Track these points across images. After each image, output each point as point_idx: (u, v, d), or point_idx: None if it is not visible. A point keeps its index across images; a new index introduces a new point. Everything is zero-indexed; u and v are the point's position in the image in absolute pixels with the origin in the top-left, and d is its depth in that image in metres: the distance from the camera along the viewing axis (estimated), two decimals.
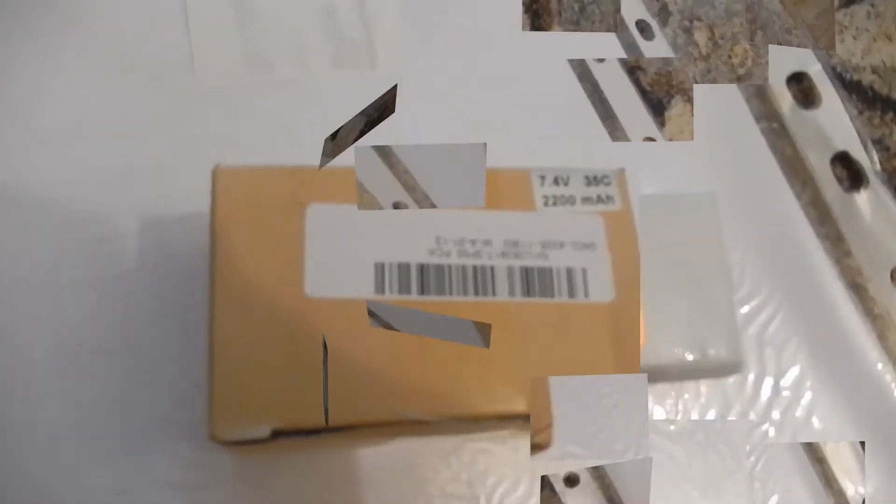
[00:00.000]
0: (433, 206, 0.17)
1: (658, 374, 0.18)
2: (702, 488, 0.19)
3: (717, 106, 0.22)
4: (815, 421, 0.20)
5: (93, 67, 0.20)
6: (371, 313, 0.16)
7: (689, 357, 0.17)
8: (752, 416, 0.19)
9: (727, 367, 0.18)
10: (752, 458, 0.19)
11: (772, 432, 0.19)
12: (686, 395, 0.19)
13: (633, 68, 0.22)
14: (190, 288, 0.18)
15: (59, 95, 0.20)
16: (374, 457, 0.17)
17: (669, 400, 0.19)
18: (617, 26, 0.22)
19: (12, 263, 0.18)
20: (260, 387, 0.15)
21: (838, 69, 0.23)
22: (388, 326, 0.16)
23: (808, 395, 0.20)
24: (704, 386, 0.19)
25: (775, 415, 0.19)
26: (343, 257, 0.16)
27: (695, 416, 0.19)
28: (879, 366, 0.20)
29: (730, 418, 0.19)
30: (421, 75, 0.20)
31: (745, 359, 0.18)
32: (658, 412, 0.19)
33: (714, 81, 0.22)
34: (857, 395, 0.20)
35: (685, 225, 0.18)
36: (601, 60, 0.21)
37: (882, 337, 0.21)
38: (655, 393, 0.19)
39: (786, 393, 0.20)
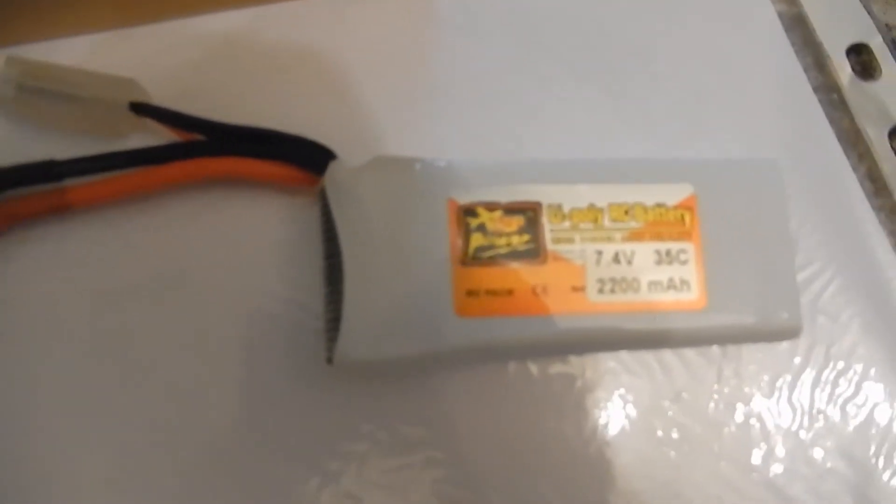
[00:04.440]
0: None
1: (718, 337, 0.19)
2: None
3: (776, 75, 0.22)
4: (865, 390, 0.20)
5: None
6: None
7: (750, 320, 0.18)
8: (803, 381, 0.20)
9: (786, 332, 0.18)
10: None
11: (820, 401, 0.20)
12: (736, 362, 0.20)
13: None
14: None
15: None
16: None
17: (715, 366, 0.20)
18: None
19: None
20: None
21: None
22: None
23: (858, 366, 0.20)
24: (758, 352, 0.20)
25: (825, 382, 0.20)
26: None
27: (746, 381, 0.20)
28: None
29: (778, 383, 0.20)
30: None
31: (803, 324, 0.18)
32: (706, 377, 0.20)
33: None
34: None
35: (748, 189, 0.18)
36: None
37: None
38: (705, 357, 0.20)
39: (835, 364, 0.20)
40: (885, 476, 0.19)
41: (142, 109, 0.17)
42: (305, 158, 0.17)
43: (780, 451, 0.19)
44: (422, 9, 0.21)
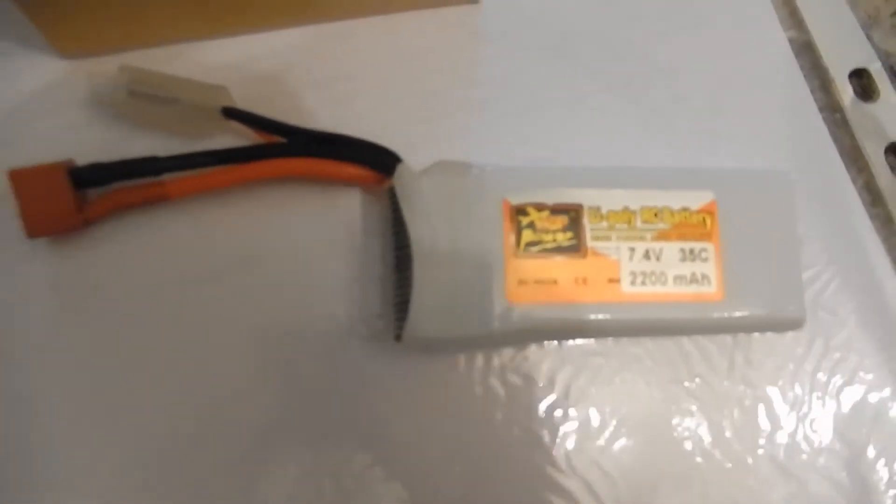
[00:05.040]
0: None
1: (733, 326, 0.21)
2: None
3: (785, 95, 0.24)
4: (859, 378, 0.22)
5: None
6: None
7: (761, 311, 0.20)
8: (805, 369, 0.22)
9: (792, 323, 0.21)
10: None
11: (819, 386, 0.22)
12: (746, 351, 0.22)
13: None
14: None
15: None
16: None
17: (727, 354, 0.22)
18: None
19: None
20: None
21: None
22: None
23: (854, 356, 0.22)
24: (766, 342, 0.22)
25: (824, 370, 0.22)
26: None
27: (754, 368, 0.22)
28: None
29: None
30: None
31: (805, 317, 0.21)
32: (720, 363, 0.22)
33: None
34: None
35: (761, 197, 0.21)
36: None
37: None
38: (719, 346, 0.22)
39: (834, 354, 0.22)
40: (874, 453, 0.22)
41: (232, 114, 0.19)
42: (375, 161, 0.19)
43: (782, 430, 0.21)
44: (470, 26, 0.23)
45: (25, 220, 0.18)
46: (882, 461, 0.22)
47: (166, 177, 0.19)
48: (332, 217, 0.20)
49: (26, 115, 0.20)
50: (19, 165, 0.18)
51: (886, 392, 0.22)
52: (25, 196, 0.18)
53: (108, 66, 0.20)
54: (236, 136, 0.20)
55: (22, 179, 0.18)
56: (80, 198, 0.19)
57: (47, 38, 0.19)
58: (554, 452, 0.20)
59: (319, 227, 0.20)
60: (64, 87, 0.20)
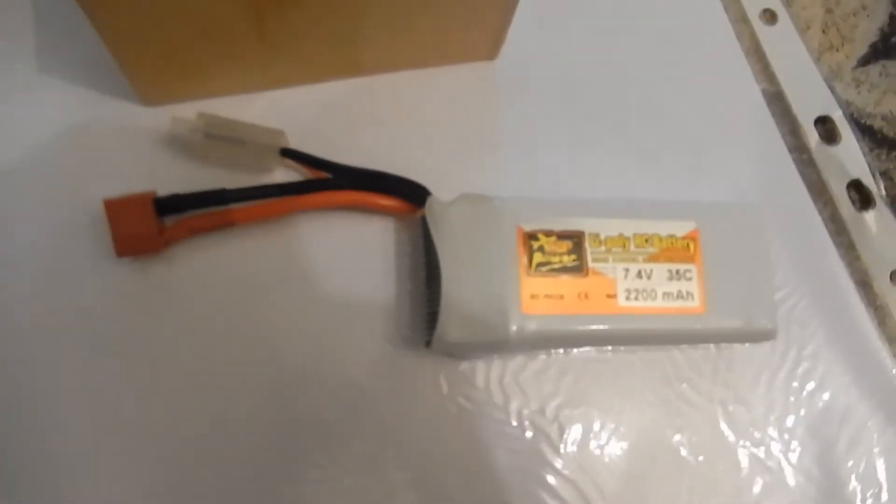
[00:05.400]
0: None
1: (714, 336, 0.24)
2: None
3: (759, 138, 0.28)
4: (827, 384, 0.25)
5: None
6: None
7: (738, 324, 0.23)
8: (779, 376, 0.25)
9: (766, 334, 0.24)
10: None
11: (793, 391, 0.25)
12: (728, 360, 0.25)
13: None
14: None
15: None
16: None
17: (711, 362, 0.25)
18: None
19: None
20: None
21: (855, 115, 0.29)
22: None
23: (822, 366, 0.25)
24: (745, 353, 0.25)
25: (797, 377, 0.25)
26: None
27: (734, 374, 0.25)
28: (879, 345, 0.26)
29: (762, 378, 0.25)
30: None
31: (778, 329, 0.24)
32: (705, 370, 0.25)
33: None
34: (861, 366, 0.25)
35: (738, 226, 0.24)
36: None
37: (882, 324, 0.26)
38: (704, 356, 0.25)
39: (805, 363, 0.25)
40: (842, 448, 0.25)
41: (288, 153, 0.23)
42: (408, 193, 0.23)
43: (761, 429, 0.24)
44: (488, 79, 0.27)
45: (116, 242, 0.21)
46: (850, 456, 0.25)
47: (233, 206, 0.22)
48: (370, 241, 0.24)
49: (115, 153, 0.24)
50: (110, 195, 0.22)
51: (853, 395, 0.25)
52: (116, 221, 0.21)
53: (183, 113, 0.23)
54: (291, 172, 0.24)
55: (114, 207, 0.21)
56: (160, 223, 0.22)
57: (134, 89, 0.23)
58: (560, 447, 0.23)
59: (359, 249, 0.24)
60: (146, 130, 0.24)
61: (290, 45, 0.23)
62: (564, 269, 0.22)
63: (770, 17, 0.30)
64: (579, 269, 0.22)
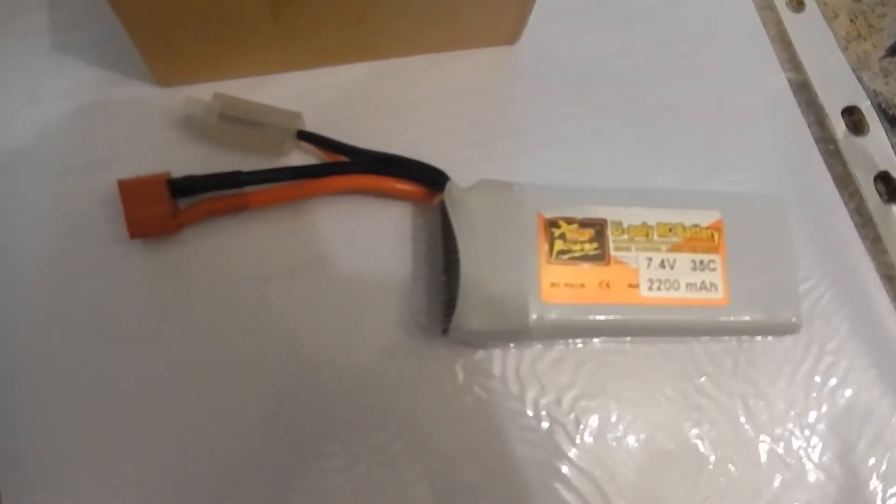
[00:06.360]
0: None
1: (737, 329, 0.23)
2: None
3: (785, 129, 0.27)
4: (850, 379, 0.25)
5: None
6: None
7: (762, 316, 0.22)
8: (801, 371, 0.25)
9: (789, 328, 0.23)
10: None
11: (815, 386, 0.24)
12: (749, 354, 0.25)
13: None
14: None
15: None
16: None
17: (732, 356, 0.25)
18: None
19: None
20: None
21: (883, 105, 0.28)
22: None
23: (845, 361, 0.25)
24: (766, 346, 0.25)
25: (819, 372, 0.25)
26: None
27: (756, 369, 0.24)
28: None
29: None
30: None
31: (802, 323, 0.23)
32: (725, 364, 0.24)
33: None
34: (885, 362, 0.25)
35: (762, 217, 0.23)
36: None
37: None
38: (725, 349, 0.25)
39: (827, 358, 0.25)
40: (864, 446, 0.24)
41: (305, 136, 0.22)
42: (427, 179, 0.22)
43: (781, 425, 0.24)
44: (507, 64, 0.26)
45: (130, 223, 0.21)
46: (871, 454, 0.24)
47: (248, 189, 0.22)
48: (387, 226, 0.23)
49: (130, 134, 0.23)
50: (124, 176, 0.21)
51: (875, 392, 0.25)
52: (130, 202, 0.21)
53: (198, 94, 0.23)
54: (307, 155, 0.23)
55: (128, 188, 0.21)
56: (174, 205, 0.22)
57: (150, 69, 0.23)
58: (576, 438, 0.23)
59: (375, 234, 0.23)
60: (161, 110, 0.23)
61: (306, 27, 0.22)
62: (586, 258, 0.22)
63: (797, 4, 0.29)
64: (601, 257, 0.22)
